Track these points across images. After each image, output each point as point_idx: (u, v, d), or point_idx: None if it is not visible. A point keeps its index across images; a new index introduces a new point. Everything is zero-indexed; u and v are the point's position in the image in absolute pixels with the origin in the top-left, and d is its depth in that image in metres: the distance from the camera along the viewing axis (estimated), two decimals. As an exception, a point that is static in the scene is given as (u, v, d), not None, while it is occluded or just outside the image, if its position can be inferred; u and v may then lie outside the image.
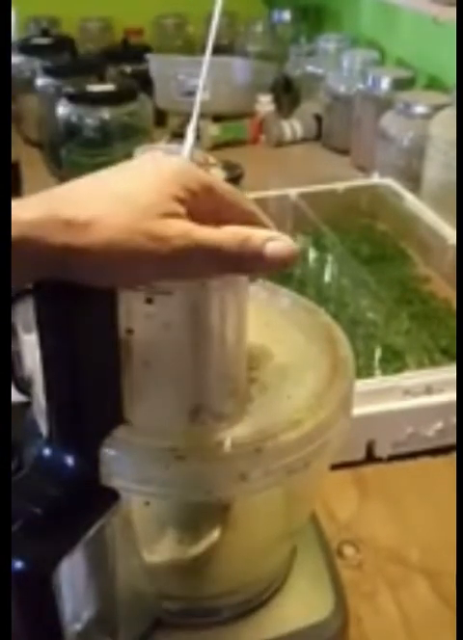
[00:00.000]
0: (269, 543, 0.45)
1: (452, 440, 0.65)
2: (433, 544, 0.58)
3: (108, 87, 1.17)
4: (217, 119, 1.39)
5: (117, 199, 0.30)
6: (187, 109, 0.42)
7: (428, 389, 0.65)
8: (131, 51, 1.58)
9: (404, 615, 0.52)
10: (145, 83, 1.36)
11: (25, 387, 0.44)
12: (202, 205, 0.32)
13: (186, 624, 0.46)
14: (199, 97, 0.40)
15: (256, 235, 0.32)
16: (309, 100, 1.48)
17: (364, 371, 0.71)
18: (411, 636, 0.51)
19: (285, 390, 0.39)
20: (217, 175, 0.94)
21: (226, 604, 0.46)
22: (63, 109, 1.15)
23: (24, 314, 0.35)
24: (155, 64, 1.47)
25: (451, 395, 0.65)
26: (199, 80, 0.40)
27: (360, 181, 1.11)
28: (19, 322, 0.43)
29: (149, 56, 1.48)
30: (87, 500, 0.35)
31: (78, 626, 0.39)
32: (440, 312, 0.84)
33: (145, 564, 0.42)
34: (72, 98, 1.15)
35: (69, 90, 1.16)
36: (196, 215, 0.31)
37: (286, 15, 1.76)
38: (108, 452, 0.35)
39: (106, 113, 1.14)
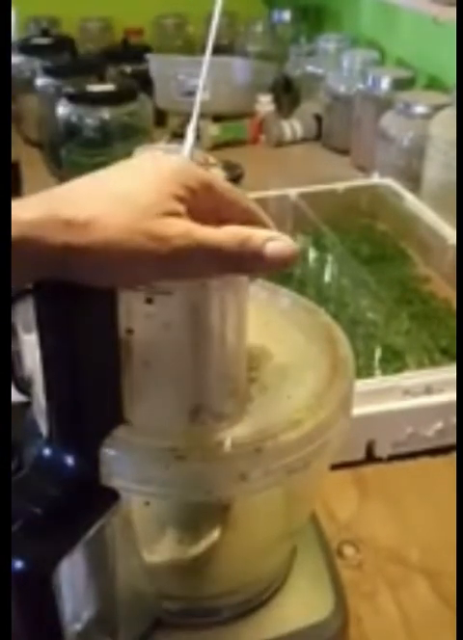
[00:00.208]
0: (269, 543, 0.45)
1: (452, 440, 0.65)
2: (433, 544, 0.58)
3: (108, 87, 1.17)
4: (217, 119, 1.39)
5: (116, 198, 0.30)
6: (187, 109, 0.42)
7: (428, 389, 0.65)
8: (131, 51, 1.58)
9: (404, 615, 0.52)
10: (145, 83, 1.36)
11: (25, 387, 0.44)
12: (201, 204, 0.32)
13: (186, 624, 0.46)
14: (199, 97, 0.40)
15: (256, 235, 0.32)
16: (309, 100, 1.48)
17: (364, 371, 0.71)
18: (411, 636, 0.51)
19: (284, 390, 0.39)
20: (217, 175, 0.94)
21: (226, 604, 0.46)
22: (63, 109, 1.16)
23: (24, 314, 0.35)
24: (155, 64, 1.47)
25: (451, 395, 0.65)
26: (199, 80, 0.40)
27: (360, 181, 1.11)
28: (19, 322, 0.43)
29: (149, 56, 1.48)
30: (87, 500, 0.35)
31: (78, 626, 0.39)
32: (440, 312, 0.84)
33: (145, 564, 0.42)
34: (72, 98, 1.15)
35: (69, 90, 1.16)
36: (196, 214, 0.31)
37: (286, 15, 1.76)
38: (108, 452, 0.35)
39: (106, 113, 1.14)
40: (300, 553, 0.50)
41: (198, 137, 1.27)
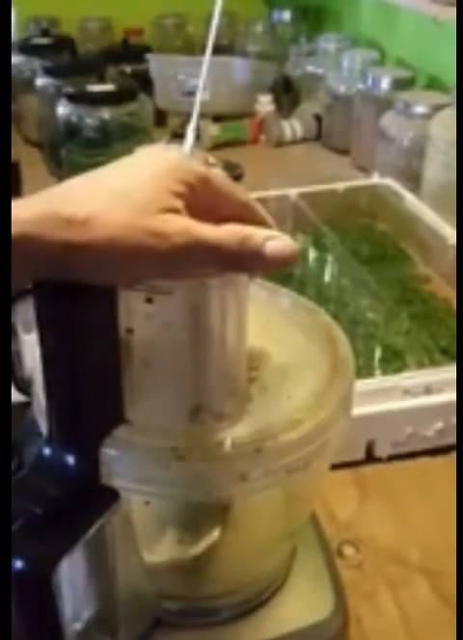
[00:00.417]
0: (269, 543, 0.45)
1: (452, 439, 0.65)
2: (433, 544, 0.58)
3: (108, 87, 1.17)
4: (217, 119, 1.39)
5: (113, 195, 0.30)
6: (187, 109, 0.42)
7: (428, 389, 0.65)
8: (131, 51, 1.58)
9: (404, 615, 0.52)
10: (145, 83, 1.36)
11: (25, 387, 0.44)
12: (199, 199, 0.32)
13: (186, 624, 0.46)
14: (199, 97, 0.39)
15: (256, 234, 0.32)
16: (309, 100, 1.48)
17: (364, 371, 0.71)
18: (411, 636, 0.51)
19: (284, 390, 0.39)
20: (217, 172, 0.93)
21: (226, 604, 0.46)
22: (63, 109, 1.15)
23: (24, 314, 0.35)
24: (155, 64, 1.47)
25: (451, 395, 0.65)
26: (199, 80, 0.40)
27: (360, 181, 1.11)
28: (19, 322, 0.43)
29: (149, 56, 1.48)
30: (87, 500, 0.35)
31: (78, 626, 0.39)
32: (440, 312, 0.84)
33: (145, 564, 0.42)
34: (72, 98, 1.15)
35: (69, 90, 1.16)
36: (194, 209, 0.31)
37: (286, 15, 1.76)
38: (108, 452, 0.35)
39: (106, 113, 1.14)
40: (300, 553, 0.50)
41: (198, 137, 1.27)
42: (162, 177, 0.31)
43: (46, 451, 0.35)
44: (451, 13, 1.01)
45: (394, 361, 0.73)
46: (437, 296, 0.88)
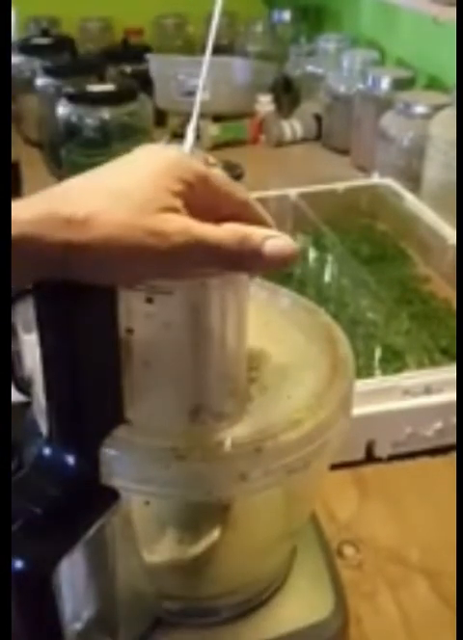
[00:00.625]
0: (269, 543, 0.45)
1: (452, 439, 0.65)
2: (433, 544, 0.58)
3: (108, 87, 1.17)
4: (217, 119, 1.39)
5: (112, 195, 0.30)
6: (187, 109, 0.42)
7: (428, 389, 0.65)
8: (131, 51, 1.58)
9: (404, 615, 0.52)
10: (145, 83, 1.36)
11: (25, 387, 0.44)
12: (198, 198, 0.31)
13: (186, 624, 0.46)
14: (199, 97, 0.39)
15: (256, 233, 0.32)
16: (309, 100, 1.48)
17: (364, 371, 0.71)
18: (411, 636, 0.51)
19: (284, 390, 0.39)
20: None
21: (226, 604, 0.46)
22: (63, 109, 1.15)
23: (24, 314, 0.35)
24: (155, 64, 1.47)
25: (451, 395, 0.65)
26: (199, 80, 0.40)
27: (360, 181, 1.11)
28: (19, 322, 0.43)
29: (149, 56, 1.48)
30: (87, 500, 0.35)
31: (78, 626, 0.39)
32: (440, 312, 0.84)
33: (145, 564, 0.42)
34: (72, 98, 1.15)
35: (69, 90, 1.16)
36: (193, 208, 0.31)
37: (286, 15, 1.76)
38: (108, 452, 0.35)
39: (106, 113, 1.14)
40: (300, 553, 0.50)
41: (198, 137, 1.27)
42: (161, 176, 0.31)
43: (46, 451, 0.35)
44: (451, 13, 1.01)
45: (394, 361, 0.73)
46: (437, 296, 0.88)
